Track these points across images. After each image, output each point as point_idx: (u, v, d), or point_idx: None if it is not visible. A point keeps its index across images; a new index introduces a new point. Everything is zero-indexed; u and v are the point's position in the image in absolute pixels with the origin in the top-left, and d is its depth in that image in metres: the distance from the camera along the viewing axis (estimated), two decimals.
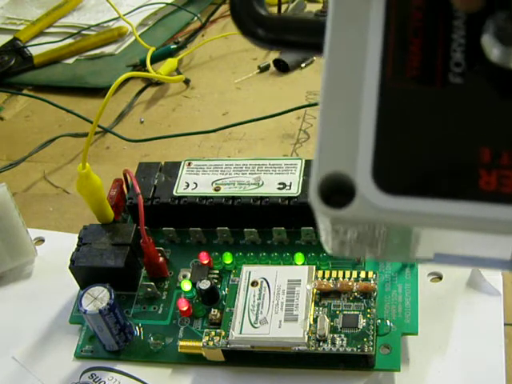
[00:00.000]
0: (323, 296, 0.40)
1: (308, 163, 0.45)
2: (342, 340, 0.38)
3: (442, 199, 0.16)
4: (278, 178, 0.45)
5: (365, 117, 0.16)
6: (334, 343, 0.38)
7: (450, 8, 0.17)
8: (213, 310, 0.41)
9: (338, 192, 0.16)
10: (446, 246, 0.17)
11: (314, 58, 0.66)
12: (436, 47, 0.17)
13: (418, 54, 0.17)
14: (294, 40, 0.19)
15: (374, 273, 0.40)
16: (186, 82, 0.66)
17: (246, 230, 0.45)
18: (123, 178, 0.48)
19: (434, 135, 0.16)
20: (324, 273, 0.41)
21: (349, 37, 0.17)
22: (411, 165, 0.16)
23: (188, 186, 0.46)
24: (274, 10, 0.69)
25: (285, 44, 0.20)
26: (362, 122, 0.16)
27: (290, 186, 0.44)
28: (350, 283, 0.40)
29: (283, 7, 0.70)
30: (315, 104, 0.58)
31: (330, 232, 0.17)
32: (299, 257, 0.43)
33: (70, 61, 0.72)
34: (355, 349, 0.37)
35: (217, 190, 0.45)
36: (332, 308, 0.39)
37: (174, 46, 0.70)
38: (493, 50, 0.16)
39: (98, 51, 0.72)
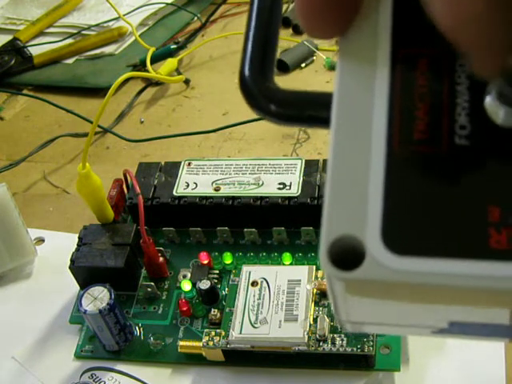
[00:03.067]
0: (323, 296, 0.40)
1: (308, 163, 0.45)
2: (342, 340, 0.38)
3: (453, 259, 0.16)
4: (277, 178, 0.45)
5: (373, 180, 0.17)
6: (334, 343, 0.38)
7: (453, 74, 0.17)
8: (213, 310, 0.41)
9: (347, 254, 0.16)
10: (459, 312, 0.17)
11: (314, 58, 0.66)
12: (441, 111, 0.17)
13: (424, 119, 0.17)
14: (309, 115, 0.20)
15: None
16: (186, 81, 0.66)
17: (245, 229, 0.45)
18: (123, 178, 0.48)
19: (441, 196, 0.16)
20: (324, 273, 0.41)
21: (355, 102, 0.17)
22: (420, 225, 0.16)
23: (188, 186, 0.46)
24: None
25: (298, 119, 0.20)
26: (370, 185, 0.17)
27: (290, 186, 0.44)
28: None
29: (283, 7, 0.70)
30: None
31: (342, 298, 0.17)
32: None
33: (70, 61, 0.72)
34: (355, 349, 0.37)
35: (217, 190, 0.45)
36: (332, 308, 0.39)
37: (174, 46, 0.70)
38: (496, 112, 0.17)
39: (98, 51, 0.72)
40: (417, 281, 0.16)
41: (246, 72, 0.20)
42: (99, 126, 0.59)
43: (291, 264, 0.43)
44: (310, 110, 0.19)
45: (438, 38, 0.16)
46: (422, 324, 0.18)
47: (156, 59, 0.68)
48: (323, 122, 0.19)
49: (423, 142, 0.17)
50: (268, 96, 0.19)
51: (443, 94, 0.17)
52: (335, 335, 0.38)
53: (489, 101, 0.17)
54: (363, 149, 0.17)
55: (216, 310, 0.41)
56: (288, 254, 0.43)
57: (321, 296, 0.40)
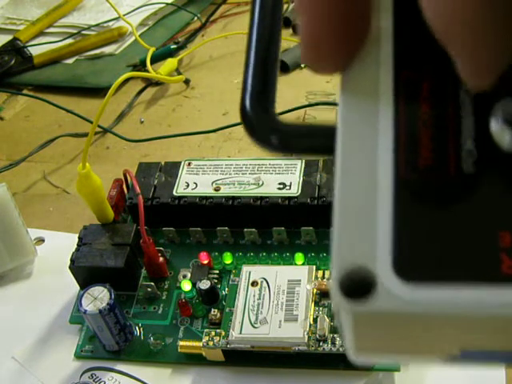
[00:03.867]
0: (323, 296, 0.40)
1: (308, 163, 0.45)
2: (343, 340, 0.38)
3: (466, 286, 0.15)
4: (277, 178, 0.45)
5: (381, 208, 0.17)
6: (334, 343, 0.38)
7: (457, 98, 0.17)
8: (213, 310, 0.41)
9: (359, 286, 0.16)
10: (471, 339, 0.17)
11: None
12: (447, 137, 0.17)
13: (429, 145, 0.17)
14: (309, 145, 0.20)
15: None
16: (186, 82, 0.66)
17: (245, 229, 0.45)
18: (123, 178, 0.48)
19: (451, 223, 0.16)
20: (324, 273, 0.41)
21: (359, 132, 0.17)
22: (431, 253, 0.16)
23: (188, 186, 0.46)
24: None
25: (300, 150, 0.20)
26: (378, 214, 0.16)
27: (290, 186, 0.44)
28: None
29: (283, 7, 0.70)
30: (315, 104, 0.58)
31: (351, 330, 0.17)
32: (299, 257, 0.43)
33: (70, 61, 0.72)
34: None
35: (217, 190, 0.45)
36: (332, 308, 0.39)
37: (174, 46, 0.70)
38: (503, 137, 0.16)
39: (98, 51, 0.72)
40: (431, 311, 0.15)
41: (247, 103, 0.19)
42: (99, 126, 0.59)
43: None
44: (313, 141, 0.19)
45: (441, 62, 0.16)
46: (435, 353, 0.18)
47: (156, 59, 0.68)
48: (327, 151, 0.19)
49: (429, 169, 0.17)
50: (269, 128, 0.19)
51: (448, 120, 0.17)
52: (335, 335, 0.38)
53: (494, 125, 0.16)
54: (370, 178, 0.17)
55: (216, 310, 0.41)
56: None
57: (321, 296, 0.40)
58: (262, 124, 0.19)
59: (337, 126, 0.18)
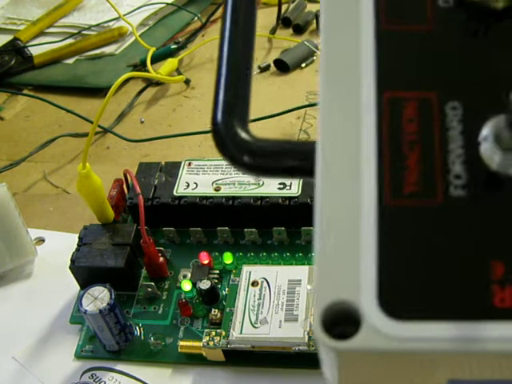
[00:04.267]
0: None
1: None
2: None
3: (456, 321, 0.14)
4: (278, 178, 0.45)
5: (364, 239, 0.15)
6: None
7: (444, 118, 0.16)
8: (213, 309, 0.41)
9: (342, 322, 0.15)
10: (461, 371, 0.16)
11: (314, 58, 0.66)
12: (433, 160, 0.16)
13: (416, 169, 0.16)
14: (286, 166, 0.18)
15: None
16: (187, 82, 0.66)
17: (246, 229, 0.45)
18: (123, 178, 0.48)
19: (439, 252, 0.15)
20: None
21: (341, 153, 0.16)
22: (418, 286, 0.15)
23: (188, 185, 0.46)
24: (275, 10, 0.69)
25: (273, 171, 0.18)
26: (361, 245, 0.15)
27: (290, 186, 0.44)
28: None
29: (283, 7, 0.70)
30: (315, 104, 0.58)
31: (336, 371, 0.16)
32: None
33: (70, 61, 0.72)
34: None
35: (217, 190, 0.45)
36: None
37: (175, 46, 0.70)
38: (492, 158, 0.16)
39: (98, 51, 0.72)
40: (419, 348, 0.14)
41: (219, 118, 0.18)
42: (99, 126, 0.59)
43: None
44: (288, 161, 0.18)
45: (426, 80, 0.15)
46: None
47: (156, 59, 0.68)
48: (304, 172, 0.17)
49: (416, 195, 0.16)
50: (241, 146, 0.18)
51: (434, 141, 0.16)
52: None
53: (484, 146, 0.16)
54: (353, 204, 0.16)
55: (216, 310, 0.41)
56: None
57: None
58: (234, 141, 0.18)
59: (318, 143, 0.16)
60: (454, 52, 0.17)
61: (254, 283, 0.40)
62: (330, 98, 0.17)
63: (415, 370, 0.16)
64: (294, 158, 0.18)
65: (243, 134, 0.18)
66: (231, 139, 0.18)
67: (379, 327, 0.15)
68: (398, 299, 0.15)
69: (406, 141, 0.16)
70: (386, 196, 0.16)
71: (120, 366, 0.41)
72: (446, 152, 0.16)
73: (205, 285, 0.41)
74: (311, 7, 0.72)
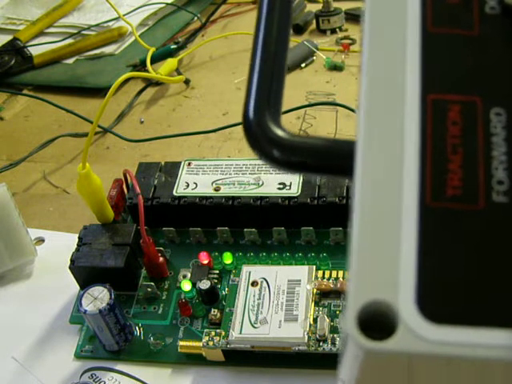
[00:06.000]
0: (323, 296, 0.40)
1: None
2: None
3: (495, 328, 0.14)
4: (278, 178, 0.45)
5: (405, 240, 0.15)
6: (334, 343, 0.38)
7: (488, 124, 0.16)
8: (213, 310, 0.41)
9: (377, 323, 0.14)
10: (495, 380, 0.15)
11: (314, 58, 0.66)
12: (476, 165, 0.16)
13: (458, 173, 0.16)
14: (318, 164, 0.18)
15: None
16: (186, 82, 0.66)
17: (245, 230, 0.45)
18: (123, 178, 0.48)
19: (480, 257, 0.15)
20: (324, 273, 0.41)
21: (383, 153, 0.16)
22: (458, 290, 0.14)
23: (188, 186, 0.46)
24: None
25: (304, 167, 0.18)
26: (402, 246, 0.15)
27: (290, 186, 0.44)
28: None
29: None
30: (315, 104, 0.58)
31: (358, 372, 0.15)
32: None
33: (70, 61, 0.72)
34: None
35: (217, 190, 0.45)
36: (332, 308, 0.39)
37: (174, 46, 0.70)
38: None
39: (98, 51, 0.72)
40: (457, 353, 0.14)
41: (251, 113, 0.18)
42: (99, 126, 0.59)
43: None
44: (321, 159, 0.18)
45: (470, 84, 0.15)
46: None
47: (156, 59, 0.68)
48: (340, 172, 0.17)
49: (458, 199, 0.15)
50: (272, 141, 0.18)
51: (478, 146, 0.16)
52: (335, 335, 0.38)
53: None
54: (393, 204, 0.15)
55: (216, 310, 0.41)
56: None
57: (321, 296, 0.40)
58: (265, 136, 0.18)
59: (358, 142, 0.16)
60: (499, 58, 0.17)
61: (254, 283, 0.40)
62: (374, 97, 0.17)
63: (446, 378, 0.15)
64: (334, 157, 0.18)
65: (275, 129, 0.18)
66: (262, 133, 0.18)
67: (417, 330, 0.14)
68: (438, 302, 0.14)
69: (450, 143, 0.16)
70: (428, 198, 0.16)
71: (120, 366, 0.41)
72: (489, 157, 0.16)
73: (204, 285, 0.41)
74: (311, 7, 0.73)
